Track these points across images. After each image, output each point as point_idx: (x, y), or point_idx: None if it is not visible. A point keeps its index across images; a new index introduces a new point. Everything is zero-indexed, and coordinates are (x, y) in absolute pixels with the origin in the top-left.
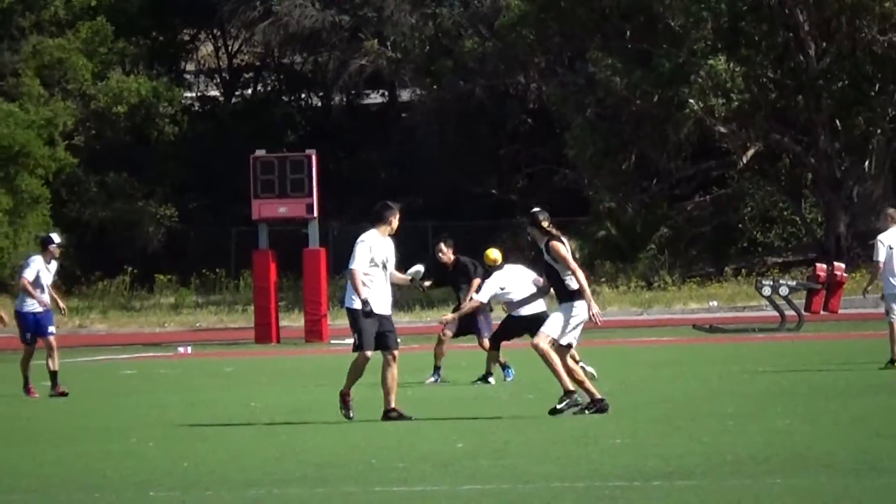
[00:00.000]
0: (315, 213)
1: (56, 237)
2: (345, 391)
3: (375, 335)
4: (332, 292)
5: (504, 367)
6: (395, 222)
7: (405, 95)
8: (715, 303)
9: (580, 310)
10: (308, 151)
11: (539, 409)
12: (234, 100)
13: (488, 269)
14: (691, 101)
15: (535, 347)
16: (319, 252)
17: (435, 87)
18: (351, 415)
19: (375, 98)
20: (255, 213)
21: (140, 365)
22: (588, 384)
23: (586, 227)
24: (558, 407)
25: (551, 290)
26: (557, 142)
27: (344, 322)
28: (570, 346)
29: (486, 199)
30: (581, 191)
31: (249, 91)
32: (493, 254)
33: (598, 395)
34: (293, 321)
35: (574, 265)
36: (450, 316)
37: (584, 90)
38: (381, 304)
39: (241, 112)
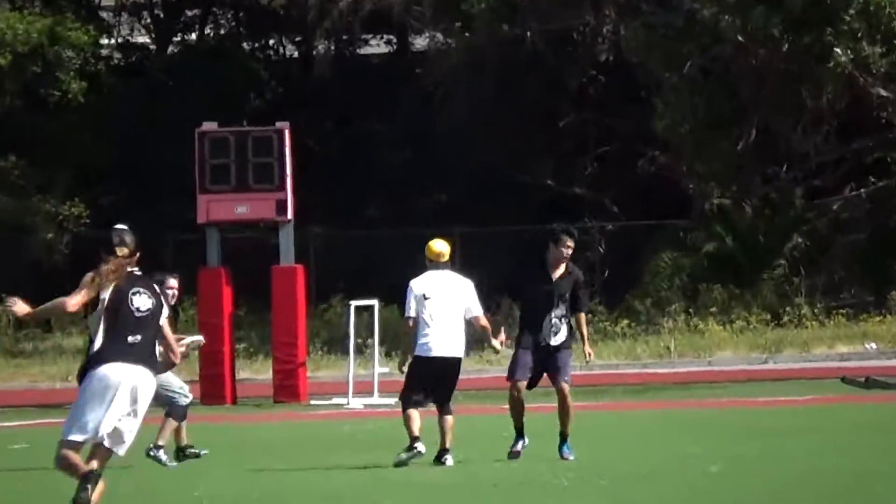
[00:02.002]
0: (289, 215)
1: None
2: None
3: None
4: (314, 329)
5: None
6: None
7: (421, 43)
8: (874, 345)
9: (96, 383)
10: (280, 124)
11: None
12: (171, 49)
13: (428, 266)
14: (837, 49)
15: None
16: (295, 270)
17: (466, 32)
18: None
19: (378, 47)
20: (202, 213)
21: (35, 435)
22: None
23: (687, 235)
24: None
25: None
26: (642, 110)
27: (331, 374)
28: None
29: (538, 194)
30: (677, 181)
31: (194, 36)
32: (437, 245)
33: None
34: (257, 372)
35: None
36: None
37: (681, 35)
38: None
39: (182, 66)
